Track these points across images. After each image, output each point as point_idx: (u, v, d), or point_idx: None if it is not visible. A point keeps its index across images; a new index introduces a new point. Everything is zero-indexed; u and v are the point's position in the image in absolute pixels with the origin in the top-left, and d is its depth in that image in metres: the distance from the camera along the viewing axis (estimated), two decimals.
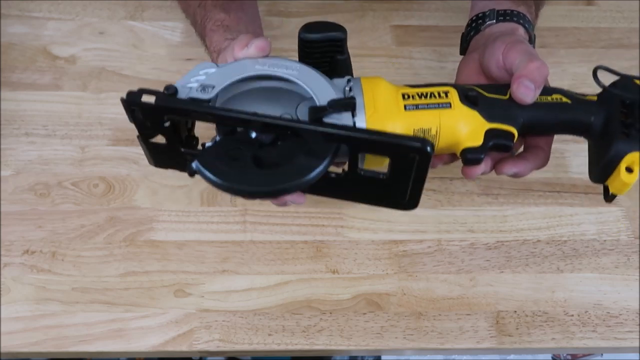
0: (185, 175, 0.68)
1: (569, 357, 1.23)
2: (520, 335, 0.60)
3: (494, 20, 0.58)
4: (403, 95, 0.48)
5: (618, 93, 0.48)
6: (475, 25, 0.59)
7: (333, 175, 0.47)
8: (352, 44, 0.78)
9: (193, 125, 0.51)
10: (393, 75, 0.76)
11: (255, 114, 0.45)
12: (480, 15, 0.59)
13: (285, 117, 0.48)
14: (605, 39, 0.80)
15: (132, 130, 0.71)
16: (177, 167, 0.52)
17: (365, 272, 0.63)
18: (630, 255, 0.64)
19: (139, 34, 0.79)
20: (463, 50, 0.62)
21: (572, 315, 0.61)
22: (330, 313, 0.60)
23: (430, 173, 0.69)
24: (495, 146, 0.48)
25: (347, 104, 0.46)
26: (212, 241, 0.64)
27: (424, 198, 0.67)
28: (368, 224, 0.65)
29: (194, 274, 0.62)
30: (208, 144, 0.48)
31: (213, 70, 0.48)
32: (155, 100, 0.45)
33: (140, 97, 0.45)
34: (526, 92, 0.48)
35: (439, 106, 0.48)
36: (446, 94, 0.48)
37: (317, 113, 0.46)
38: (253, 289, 0.61)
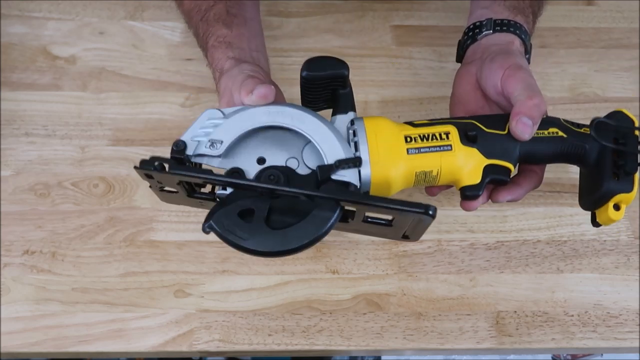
0: None
1: (569, 357, 1.23)
2: (520, 336, 0.60)
3: (491, 30, 0.58)
4: (405, 138, 0.50)
5: (608, 145, 0.50)
6: (472, 34, 0.59)
7: (345, 220, 0.49)
8: (352, 44, 0.79)
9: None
10: (393, 76, 0.76)
11: (265, 183, 0.47)
12: (477, 24, 0.59)
13: (292, 171, 0.49)
14: (605, 39, 0.80)
15: (132, 130, 0.71)
16: (189, 205, 0.54)
17: (365, 273, 0.63)
18: (630, 256, 0.64)
19: (139, 34, 0.79)
20: (459, 58, 0.62)
21: (572, 316, 0.61)
22: (330, 313, 0.60)
23: None
24: (493, 181, 0.51)
25: (354, 161, 0.48)
26: (212, 241, 0.64)
27: (424, 198, 0.67)
28: None
29: (193, 274, 0.62)
30: (220, 191, 0.49)
31: (220, 121, 0.49)
32: (169, 169, 0.47)
33: (153, 164, 0.47)
34: (524, 130, 0.49)
35: (440, 149, 0.49)
36: (447, 135, 0.50)
37: (326, 172, 0.47)
38: (253, 289, 0.61)
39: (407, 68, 0.77)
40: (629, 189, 0.50)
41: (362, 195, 0.48)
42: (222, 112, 0.50)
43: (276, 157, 0.50)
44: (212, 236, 0.64)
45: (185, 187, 0.50)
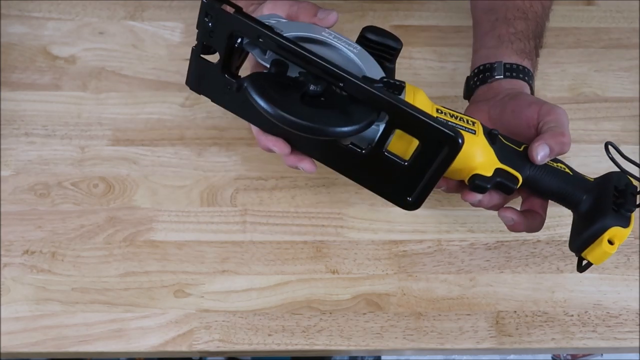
0: (185, 175, 0.68)
1: (569, 357, 1.23)
2: (520, 336, 0.60)
3: (502, 75, 0.59)
4: (437, 110, 0.51)
5: (621, 168, 0.52)
6: (482, 76, 0.60)
7: (358, 149, 0.49)
8: None
9: (242, 62, 0.52)
10: None
11: (319, 56, 0.47)
12: (487, 66, 0.60)
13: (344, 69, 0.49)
14: (605, 39, 0.80)
15: (132, 130, 0.71)
16: (212, 95, 0.53)
17: (365, 272, 0.63)
18: (630, 255, 0.64)
19: (138, 34, 0.79)
20: (467, 97, 0.62)
21: (572, 316, 0.61)
22: (330, 313, 0.60)
23: None
24: (500, 184, 0.51)
25: (397, 86, 0.49)
26: (211, 241, 0.64)
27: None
28: (368, 224, 0.65)
29: (193, 274, 0.62)
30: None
31: (284, 20, 0.51)
32: (235, 12, 0.47)
33: (221, 4, 0.47)
34: (540, 153, 0.51)
35: (465, 129, 0.51)
36: (473, 123, 0.52)
37: (370, 83, 0.47)
38: (253, 289, 0.61)
39: (407, 68, 0.77)
40: (626, 224, 0.50)
41: (401, 100, 0.47)
42: (285, 19, 0.51)
43: None
44: (212, 236, 0.64)
45: (227, 52, 0.49)
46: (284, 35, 0.48)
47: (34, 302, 0.60)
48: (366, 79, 0.48)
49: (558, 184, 0.53)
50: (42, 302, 0.60)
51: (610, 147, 0.52)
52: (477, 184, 0.51)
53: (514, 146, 0.53)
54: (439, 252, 0.64)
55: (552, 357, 1.23)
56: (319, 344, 0.59)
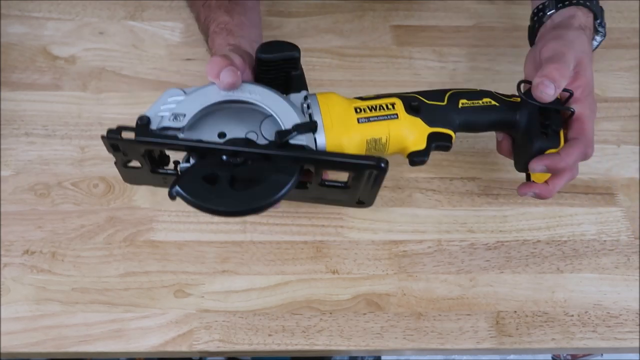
0: None
1: (569, 357, 1.23)
2: (520, 336, 0.60)
3: (554, 10, 0.59)
4: (355, 109, 0.54)
5: (533, 102, 0.55)
6: (537, 18, 0.61)
7: (303, 184, 0.53)
8: (352, 44, 0.79)
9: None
10: (393, 75, 0.76)
11: (226, 145, 0.50)
12: (540, 6, 0.60)
13: (252, 141, 0.52)
14: (605, 39, 0.80)
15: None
16: (151, 184, 0.57)
17: (365, 273, 0.63)
18: (630, 256, 0.64)
19: (138, 34, 0.79)
20: (531, 43, 0.63)
21: (572, 316, 0.61)
22: (330, 313, 0.60)
23: (430, 173, 0.69)
24: (438, 147, 0.55)
25: (311, 127, 0.51)
26: (212, 241, 0.64)
27: (424, 198, 0.68)
28: (368, 224, 0.65)
29: (193, 274, 0.62)
30: (183, 164, 0.52)
31: (182, 98, 0.52)
32: (135, 136, 0.50)
33: (120, 133, 0.49)
34: (544, 90, 0.52)
35: (387, 117, 0.54)
36: (393, 105, 0.54)
37: (284, 136, 0.50)
38: (253, 289, 0.61)
39: (407, 68, 0.77)
40: (557, 145, 0.55)
41: (318, 152, 0.51)
42: (183, 90, 0.53)
43: (236, 131, 0.53)
44: (212, 236, 0.64)
45: (149, 161, 0.52)
46: (189, 117, 0.51)
47: (34, 302, 0.60)
48: (280, 134, 0.50)
49: (488, 119, 0.57)
50: (42, 302, 0.60)
51: (522, 85, 0.55)
52: (414, 160, 0.55)
53: (437, 103, 0.55)
54: (439, 252, 0.64)
55: (552, 357, 1.23)
56: (319, 344, 0.59)
